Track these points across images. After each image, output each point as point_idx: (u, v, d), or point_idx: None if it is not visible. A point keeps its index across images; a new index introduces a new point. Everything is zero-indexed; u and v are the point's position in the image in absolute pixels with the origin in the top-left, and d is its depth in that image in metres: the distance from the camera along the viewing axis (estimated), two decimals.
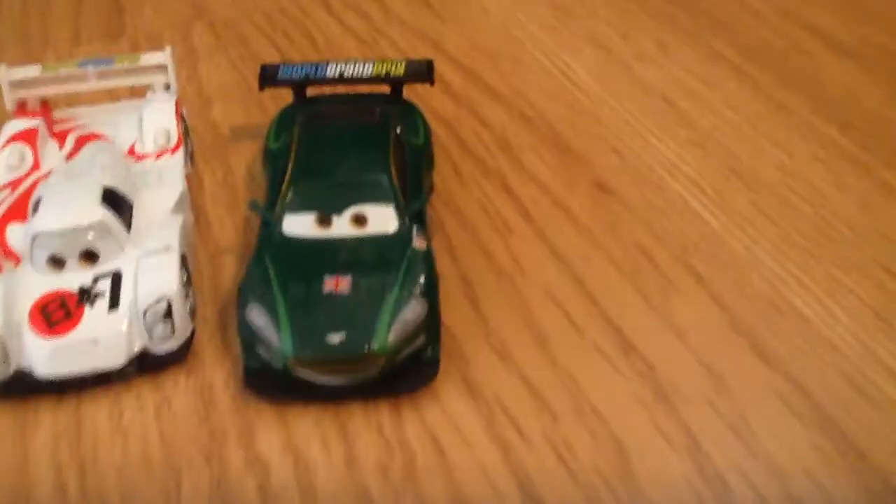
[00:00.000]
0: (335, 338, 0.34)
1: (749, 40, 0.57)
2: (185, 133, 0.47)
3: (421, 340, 0.36)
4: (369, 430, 0.35)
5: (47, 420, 0.36)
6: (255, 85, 0.47)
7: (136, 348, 0.37)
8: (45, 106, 0.47)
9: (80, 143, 0.45)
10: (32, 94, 0.46)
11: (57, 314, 0.36)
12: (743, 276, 0.41)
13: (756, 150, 0.49)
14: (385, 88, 0.47)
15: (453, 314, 0.40)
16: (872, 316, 0.39)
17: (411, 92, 0.48)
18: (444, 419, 0.36)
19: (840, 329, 0.39)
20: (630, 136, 0.50)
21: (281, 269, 0.37)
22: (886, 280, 0.41)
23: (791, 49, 0.56)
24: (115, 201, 0.39)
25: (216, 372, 0.38)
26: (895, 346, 0.38)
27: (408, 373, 0.36)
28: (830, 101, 0.52)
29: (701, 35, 0.58)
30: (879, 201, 0.45)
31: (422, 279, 0.36)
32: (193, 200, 0.45)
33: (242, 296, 0.36)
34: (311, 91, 0.46)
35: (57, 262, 0.38)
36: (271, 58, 0.57)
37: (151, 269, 0.37)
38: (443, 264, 0.42)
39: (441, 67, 0.54)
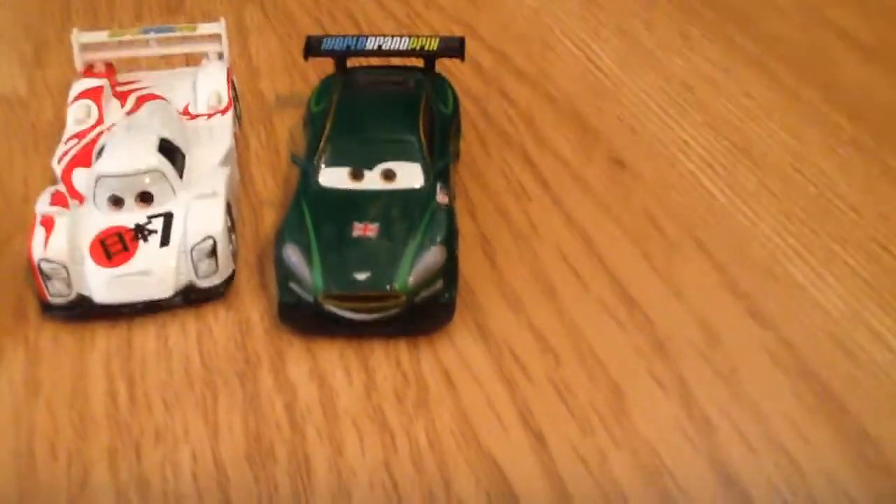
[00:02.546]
0: (361, 276, 0.38)
1: (770, 34, 0.60)
2: (235, 98, 0.51)
3: (439, 285, 0.39)
4: (388, 362, 0.39)
5: (102, 339, 0.40)
6: (300, 59, 0.51)
7: (183, 281, 0.41)
8: (110, 68, 0.51)
9: (140, 101, 0.49)
10: (99, 57, 0.51)
11: (115, 247, 0.40)
12: (744, 245, 0.44)
13: (768, 135, 0.51)
14: (419, 62, 0.50)
15: (471, 267, 0.43)
16: (863, 284, 0.42)
17: (443, 68, 0.52)
18: (456, 358, 0.39)
19: (831, 294, 0.42)
20: (647, 117, 0.53)
21: (316, 214, 0.40)
22: (881, 254, 0.44)
23: (810, 44, 0.59)
24: (170, 151, 0.43)
25: (253, 307, 0.42)
26: (882, 313, 0.41)
27: (426, 314, 0.39)
28: (844, 93, 0.54)
29: (724, 27, 0.60)
30: (882, 185, 0.48)
31: (443, 230, 0.40)
32: (240, 159, 0.49)
33: (280, 236, 0.40)
34: (350, 63, 0.50)
35: (116, 202, 0.42)
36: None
37: (199, 211, 0.41)
38: (464, 223, 0.45)
39: (473, 48, 0.58)
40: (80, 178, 0.44)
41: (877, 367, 0.38)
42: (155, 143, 0.43)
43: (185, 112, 0.49)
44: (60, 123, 0.48)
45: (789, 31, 0.60)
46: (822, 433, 0.36)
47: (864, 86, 0.55)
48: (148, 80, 0.51)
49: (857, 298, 0.41)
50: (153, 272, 0.40)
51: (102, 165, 0.42)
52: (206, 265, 0.41)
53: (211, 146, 0.46)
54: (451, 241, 0.40)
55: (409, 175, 0.42)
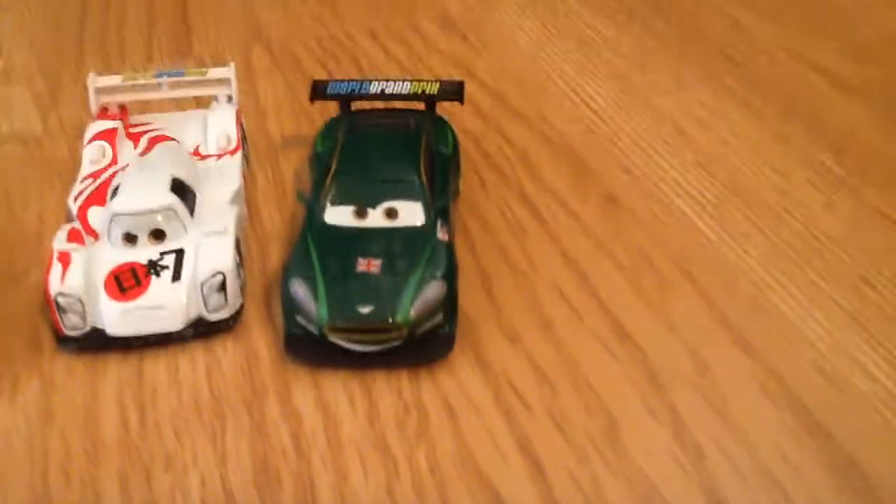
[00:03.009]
0: (365, 309, 0.40)
1: (758, 76, 0.62)
2: (244, 139, 0.53)
3: (439, 318, 0.41)
4: (390, 392, 0.40)
5: (114, 370, 0.42)
6: (306, 100, 0.53)
7: (194, 315, 0.42)
8: (124, 110, 0.53)
9: (153, 143, 0.51)
10: (113, 100, 0.53)
11: (128, 282, 0.42)
12: (732, 279, 0.46)
13: (755, 173, 0.53)
14: (421, 105, 0.52)
15: (470, 300, 0.44)
16: (848, 319, 0.43)
17: (444, 110, 0.54)
18: (456, 388, 0.41)
19: (817, 328, 0.43)
20: (640, 157, 0.55)
21: (321, 250, 0.42)
22: (865, 290, 0.45)
23: (797, 85, 0.61)
24: (182, 190, 0.45)
25: (260, 339, 0.43)
26: (866, 345, 0.42)
27: (427, 346, 0.41)
28: (828, 132, 0.56)
29: (714, 70, 0.63)
30: (866, 222, 0.49)
31: (443, 265, 0.42)
32: (248, 196, 0.51)
33: (286, 271, 0.42)
34: (355, 105, 0.52)
35: (130, 239, 0.43)
36: (321, 77, 0.63)
37: (210, 247, 0.43)
38: (464, 258, 0.47)
39: (472, 90, 0.60)
40: (96, 215, 0.45)
41: (861, 397, 0.40)
42: (167, 182, 0.44)
43: (196, 153, 0.51)
44: (74, 161, 0.50)
45: (776, 73, 0.62)
46: (809, 460, 0.37)
47: (847, 124, 0.57)
48: (160, 122, 0.53)
49: (841, 331, 0.43)
50: (165, 306, 0.42)
51: (117, 204, 0.43)
52: (215, 299, 0.42)
53: (221, 185, 0.48)
54: (450, 276, 0.42)
55: (411, 213, 0.44)
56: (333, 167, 0.46)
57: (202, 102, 0.57)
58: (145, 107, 0.56)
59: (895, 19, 0.68)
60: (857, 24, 0.68)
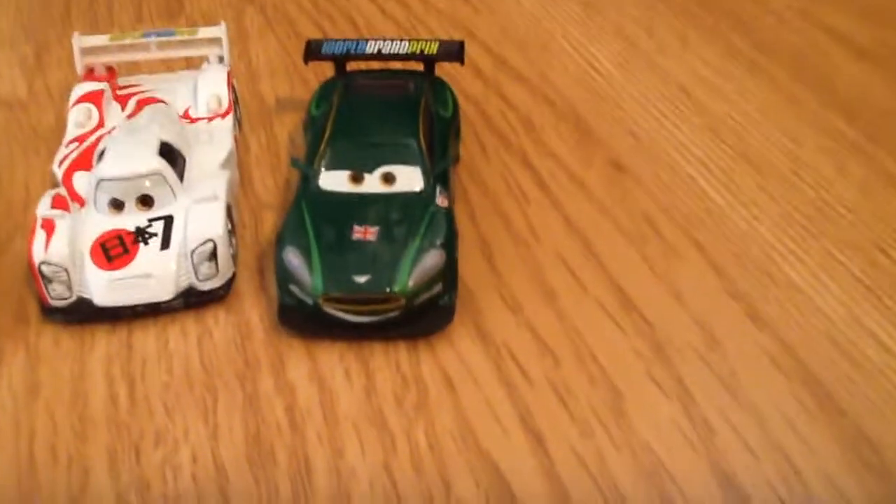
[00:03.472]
0: (361, 278, 0.38)
1: (767, 38, 0.60)
2: (235, 101, 0.51)
3: (439, 287, 0.40)
4: (388, 365, 0.39)
5: (102, 342, 0.41)
6: (300, 62, 0.52)
7: (184, 284, 0.41)
8: (111, 72, 0.51)
9: (141, 105, 0.49)
10: (100, 61, 0.51)
11: (115, 250, 0.41)
12: (742, 247, 0.44)
13: (765, 137, 0.52)
14: (419, 66, 0.50)
15: (470, 270, 0.43)
16: (862, 288, 0.42)
17: (443, 71, 0.52)
18: (456, 360, 0.39)
19: (830, 298, 0.42)
20: (646, 120, 0.53)
21: (316, 217, 0.41)
22: (879, 257, 0.44)
23: (807, 47, 0.59)
24: (171, 154, 0.43)
25: (253, 310, 0.42)
26: (880, 316, 0.41)
27: (425, 317, 0.40)
28: (841, 96, 0.54)
29: (722, 32, 0.61)
30: (880, 188, 0.48)
31: (442, 233, 0.40)
32: (240, 162, 0.50)
33: (280, 239, 0.40)
34: (350, 66, 0.50)
35: (117, 205, 0.42)
36: (316, 38, 0.61)
37: (200, 214, 0.42)
38: (464, 226, 0.45)
39: (472, 52, 0.58)
40: (81, 181, 0.44)
41: (875, 368, 0.39)
42: (155, 146, 0.43)
43: (186, 115, 0.49)
44: (61, 127, 0.49)
45: (786, 35, 0.60)
46: (820, 435, 0.36)
47: (860, 88, 0.55)
48: (148, 84, 0.52)
49: (854, 301, 0.42)
50: (153, 275, 0.40)
51: (103, 169, 0.42)
52: (206, 268, 0.41)
53: (211, 149, 0.46)
54: (450, 244, 0.40)
55: (409, 178, 0.42)
56: (328, 131, 0.44)
57: (192, 64, 0.55)
58: (133, 68, 0.55)
59: None
60: None
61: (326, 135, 0.44)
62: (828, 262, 0.44)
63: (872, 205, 0.47)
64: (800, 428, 0.36)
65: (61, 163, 0.46)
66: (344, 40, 0.50)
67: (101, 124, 0.48)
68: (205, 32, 0.51)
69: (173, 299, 0.41)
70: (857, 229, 0.45)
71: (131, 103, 0.50)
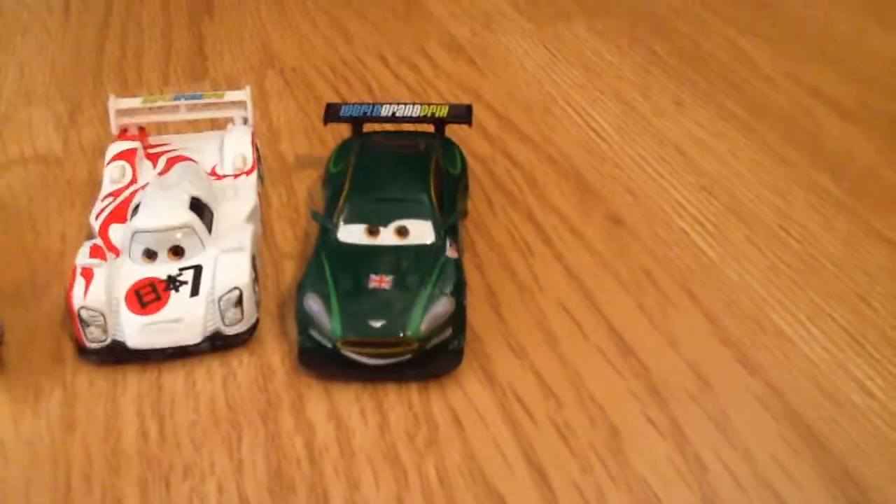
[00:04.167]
0: (377, 323, 0.41)
1: (758, 101, 0.63)
2: (259, 159, 0.55)
3: (448, 332, 0.42)
4: (401, 404, 0.42)
5: (134, 382, 0.43)
6: (318, 123, 0.55)
7: (211, 329, 0.43)
8: (143, 131, 0.55)
9: (171, 163, 0.52)
10: (133, 122, 0.54)
11: (148, 297, 0.43)
12: (733, 298, 0.47)
13: (756, 196, 0.54)
14: (430, 128, 0.54)
15: (478, 317, 0.46)
16: (847, 337, 0.45)
17: (452, 133, 0.55)
18: (464, 400, 0.42)
19: (815, 346, 0.44)
20: (643, 179, 0.56)
21: (335, 267, 0.43)
22: (863, 308, 0.46)
23: (796, 110, 0.62)
24: (200, 208, 0.46)
25: (275, 353, 0.44)
26: (863, 362, 0.43)
27: (436, 359, 0.42)
28: (828, 156, 0.57)
29: (715, 95, 0.64)
30: (864, 242, 0.51)
31: (452, 282, 0.43)
32: (263, 215, 0.53)
33: (301, 286, 0.43)
34: (366, 128, 0.54)
35: (150, 255, 0.45)
36: (332, 100, 0.65)
37: (227, 264, 0.44)
38: (472, 277, 0.48)
39: (479, 114, 0.62)
40: (117, 232, 0.47)
41: (858, 412, 0.41)
42: (186, 200, 0.46)
43: (213, 173, 0.52)
44: (94, 181, 0.52)
45: (775, 97, 0.64)
46: (807, 473, 0.38)
47: (846, 147, 0.58)
48: (177, 143, 0.55)
49: (839, 348, 0.44)
50: (183, 320, 0.43)
51: (138, 221, 0.45)
52: (232, 314, 0.44)
53: (237, 204, 0.49)
54: (459, 292, 0.43)
55: (421, 231, 0.45)
56: (346, 187, 0.47)
57: (217, 124, 0.59)
58: (162, 128, 0.58)
59: (892, 46, 0.70)
60: (855, 50, 0.69)
61: (345, 191, 0.47)
62: (814, 311, 0.46)
63: (856, 259, 0.49)
64: (787, 465, 0.38)
65: (98, 216, 0.48)
66: (361, 104, 0.54)
67: (134, 180, 0.51)
68: (230, 96, 0.55)
69: (201, 342, 0.43)
70: (842, 281, 0.48)
71: (162, 161, 0.53)
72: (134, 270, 0.44)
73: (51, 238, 0.52)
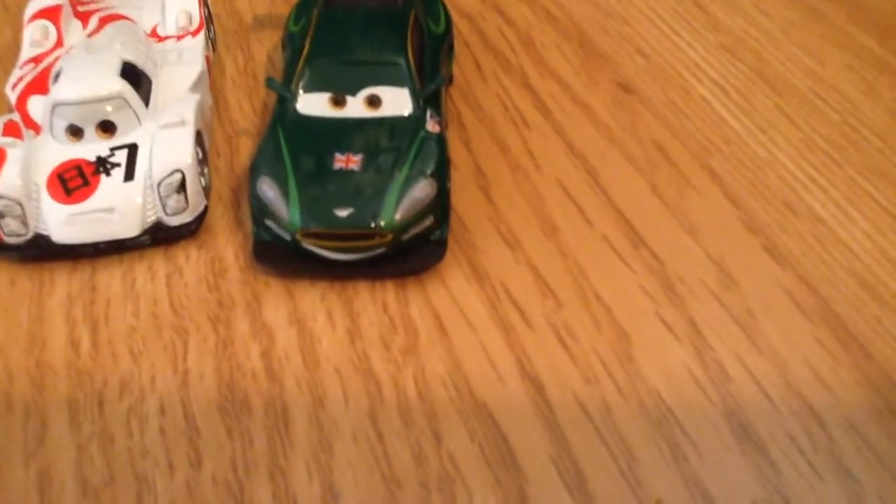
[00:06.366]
0: (343, 212, 0.36)
1: None
2: (208, 18, 0.48)
3: (429, 221, 0.37)
4: (374, 306, 0.37)
5: (63, 282, 0.38)
6: None
7: (151, 219, 0.38)
8: None
9: (104, 22, 0.46)
10: None
11: (74, 182, 0.38)
12: (760, 176, 0.42)
13: (786, 57, 0.48)
14: None
15: (465, 202, 0.41)
16: (891, 220, 0.40)
17: None
18: (448, 301, 0.37)
19: (855, 231, 0.39)
20: (657, 38, 0.50)
21: (293, 144, 0.38)
22: None
23: None
24: (135, 76, 0.40)
25: (227, 247, 0.40)
26: None
27: (415, 253, 0.37)
28: (870, 11, 0.51)
29: None
30: None
31: (433, 161, 0.38)
32: (214, 85, 0.47)
33: (254, 169, 0.38)
34: None
35: (75, 132, 0.39)
36: None
37: (166, 141, 0.39)
38: (458, 154, 0.43)
39: None
40: (37, 106, 0.41)
41: None
42: (117, 66, 0.40)
43: (153, 34, 0.46)
44: (17, 46, 0.46)
45: None
46: (846, 382, 0.34)
47: (892, 2, 0.51)
48: (113, 0, 0.48)
49: (882, 234, 0.39)
50: (117, 209, 0.38)
51: (59, 92, 0.39)
52: (174, 201, 0.38)
53: (180, 70, 0.43)
54: (442, 174, 0.38)
55: (396, 101, 0.39)
56: (306, 48, 0.41)
57: None
58: None
59: None
60: None
61: (304, 53, 0.41)
62: (853, 191, 0.41)
63: None
64: (823, 373, 0.34)
65: (15, 85, 0.42)
66: None
67: (59, 43, 0.45)
68: None
69: (140, 236, 0.38)
70: (886, 156, 0.42)
71: (93, 20, 0.46)
72: (57, 151, 0.39)
73: None
